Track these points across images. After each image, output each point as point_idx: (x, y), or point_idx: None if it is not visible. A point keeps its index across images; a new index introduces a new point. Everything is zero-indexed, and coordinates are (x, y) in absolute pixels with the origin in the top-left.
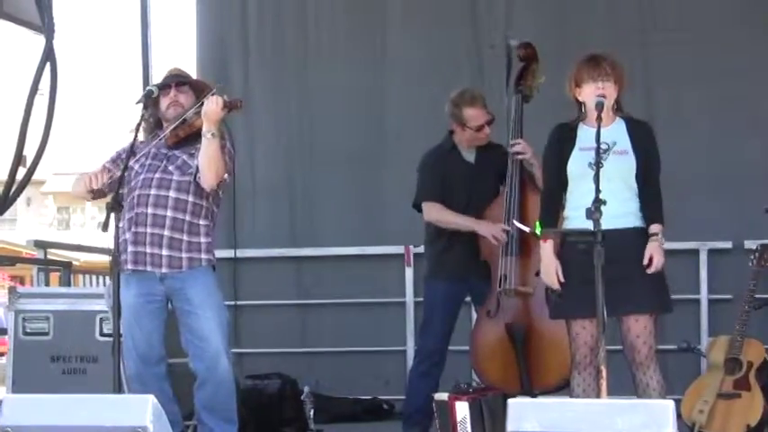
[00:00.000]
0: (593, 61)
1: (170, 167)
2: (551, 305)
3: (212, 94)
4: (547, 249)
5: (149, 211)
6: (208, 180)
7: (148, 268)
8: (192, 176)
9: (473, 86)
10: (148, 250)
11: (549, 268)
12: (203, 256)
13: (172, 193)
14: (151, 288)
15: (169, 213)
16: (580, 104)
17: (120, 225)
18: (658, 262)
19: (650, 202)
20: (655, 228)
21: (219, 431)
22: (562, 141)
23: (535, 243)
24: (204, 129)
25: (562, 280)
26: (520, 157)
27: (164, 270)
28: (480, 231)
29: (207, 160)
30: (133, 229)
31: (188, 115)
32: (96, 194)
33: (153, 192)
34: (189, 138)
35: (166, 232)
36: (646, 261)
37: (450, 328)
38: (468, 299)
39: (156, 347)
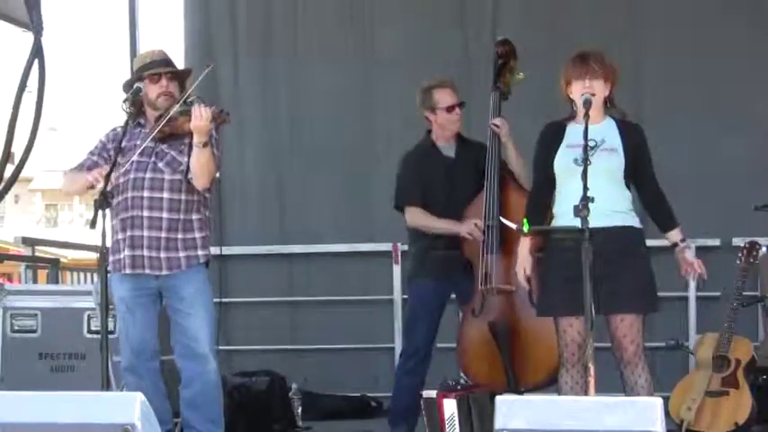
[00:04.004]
0: (580, 59)
1: (159, 165)
2: (537, 303)
3: (199, 104)
4: (523, 247)
5: (145, 213)
6: (202, 184)
7: (147, 271)
8: (182, 174)
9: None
10: (146, 253)
11: (520, 267)
12: (200, 252)
13: (165, 194)
14: (145, 283)
15: (165, 215)
16: (572, 102)
17: (112, 224)
18: (701, 268)
19: (657, 204)
20: (675, 235)
21: None
22: (550, 139)
23: (517, 241)
24: (195, 140)
25: (528, 274)
26: (497, 130)
27: (164, 272)
28: (457, 232)
29: (200, 167)
30: (129, 233)
31: (173, 113)
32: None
33: (146, 194)
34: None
35: (163, 234)
36: (695, 278)
37: (435, 326)
38: (453, 296)
39: (150, 341)
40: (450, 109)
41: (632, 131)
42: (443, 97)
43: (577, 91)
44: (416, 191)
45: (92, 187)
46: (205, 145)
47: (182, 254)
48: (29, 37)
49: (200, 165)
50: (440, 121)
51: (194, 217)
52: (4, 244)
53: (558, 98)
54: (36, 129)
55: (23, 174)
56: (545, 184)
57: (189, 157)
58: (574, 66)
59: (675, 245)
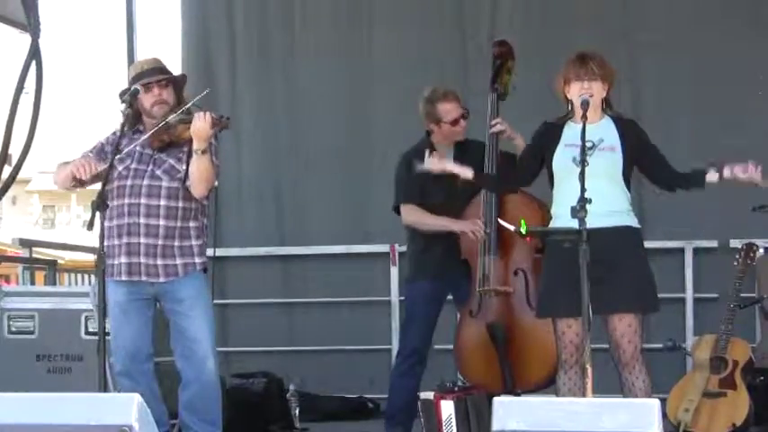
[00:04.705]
0: (580, 60)
1: (157, 172)
2: (537, 305)
3: (201, 110)
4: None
5: (142, 221)
6: (200, 192)
7: (143, 278)
8: (180, 182)
9: (451, 86)
10: (143, 260)
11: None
12: (197, 259)
13: (162, 201)
14: (141, 289)
15: (162, 222)
16: (569, 102)
17: (108, 225)
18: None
19: (680, 176)
20: (713, 175)
21: None
22: (546, 136)
23: (514, 242)
24: (195, 146)
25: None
26: (503, 136)
27: (161, 279)
28: (457, 229)
29: (199, 175)
30: (126, 240)
31: (171, 120)
32: (79, 184)
33: (143, 201)
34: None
35: (160, 241)
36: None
37: (431, 327)
38: (450, 297)
39: (145, 345)
40: (454, 122)
41: (630, 128)
42: (448, 111)
43: (575, 92)
44: (413, 190)
45: (76, 180)
46: (204, 152)
47: (179, 261)
48: (26, 38)
49: (198, 172)
50: (444, 133)
51: (191, 224)
52: (1, 245)
53: (557, 98)
54: (34, 130)
55: (21, 175)
56: (523, 160)
57: (187, 164)
58: (573, 66)
59: (720, 177)
